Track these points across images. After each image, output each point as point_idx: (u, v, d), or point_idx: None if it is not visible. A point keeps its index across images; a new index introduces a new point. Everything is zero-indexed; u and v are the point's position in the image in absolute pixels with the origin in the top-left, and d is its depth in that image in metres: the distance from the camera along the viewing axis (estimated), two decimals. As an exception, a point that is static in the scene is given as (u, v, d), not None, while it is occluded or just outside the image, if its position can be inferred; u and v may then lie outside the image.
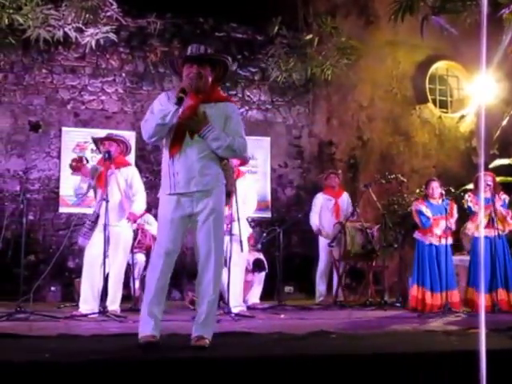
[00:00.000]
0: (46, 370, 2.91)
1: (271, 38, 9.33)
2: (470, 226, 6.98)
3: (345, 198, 8.39)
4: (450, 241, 6.86)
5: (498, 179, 7.76)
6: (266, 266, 7.69)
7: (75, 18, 7.98)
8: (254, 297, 7.60)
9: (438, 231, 6.83)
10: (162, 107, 3.74)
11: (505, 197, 7.00)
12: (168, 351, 3.50)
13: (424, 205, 6.98)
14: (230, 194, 4.10)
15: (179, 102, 3.68)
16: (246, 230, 6.69)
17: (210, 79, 3.86)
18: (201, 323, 3.74)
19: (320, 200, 8.36)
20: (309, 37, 9.08)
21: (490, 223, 6.70)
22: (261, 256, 7.77)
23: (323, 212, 8.31)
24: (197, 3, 9.11)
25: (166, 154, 3.84)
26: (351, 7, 10.16)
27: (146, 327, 3.64)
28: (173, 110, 3.68)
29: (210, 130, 3.73)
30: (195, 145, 3.75)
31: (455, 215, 6.93)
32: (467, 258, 7.21)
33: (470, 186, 8.15)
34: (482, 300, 6.14)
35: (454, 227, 6.89)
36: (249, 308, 6.92)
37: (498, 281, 6.68)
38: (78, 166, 6.12)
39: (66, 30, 8.13)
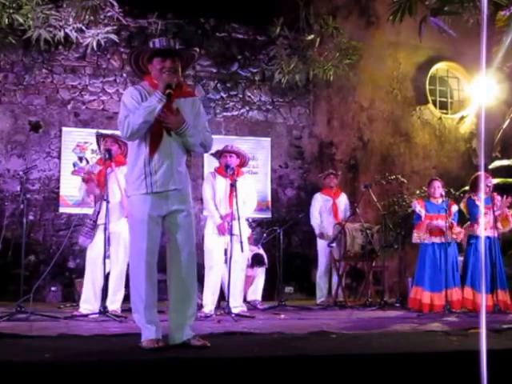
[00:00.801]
0: (47, 370, 2.91)
1: (272, 38, 9.33)
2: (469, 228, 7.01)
3: (342, 198, 8.39)
4: (452, 239, 6.87)
5: (499, 180, 7.79)
6: (266, 261, 7.67)
7: (76, 18, 7.98)
8: (256, 292, 7.59)
9: (430, 231, 6.86)
10: (146, 103, 3.65)
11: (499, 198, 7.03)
12: (168, 351, 3.49)
13: (420, 203, 7.03)
14: None
15: (169, 97, 3.64)
16: (246, 230, 6.70)
17: (180, 73, 3.82)
18: (191, 324, 3.73)
19: (318, 200, 8.36)
20: (310, 37, 9.08)
21: (492, 223, 6.72)
22: (260, 251, 7.75)
23: (322, 211, 8.32)
24: (198, 3, 9.11)
25: (139, 152, 3.71)
26: (352, 8, 10.17)
27: (148, 333, 3.60)
28: (159, 106, 3.61)
29: (187, 127, 3.71)
30: (172, 142, 3.71)
31: (455, 213, 6.93)
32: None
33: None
34: (483, 300, 6.15)
35: (455, 224, 6.87)
36: (249, 307, 6.92)
37: (498, 281, 6.69)
38: (88, 178, 6.12)
39: (66, 30, 8.13)
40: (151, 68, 3.80)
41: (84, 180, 6.16)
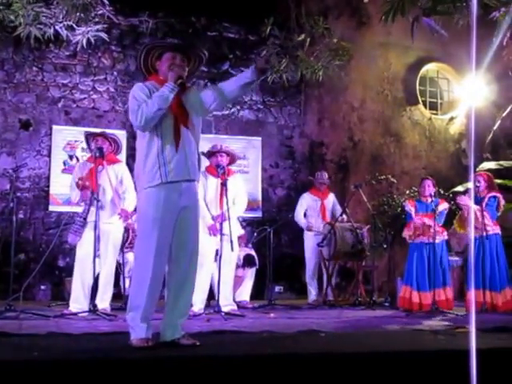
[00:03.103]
0: (35, 368, 2.90)
1: (263, 38, 9.33)
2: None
3: (331, 198, 8.39)
4: (441, 239, 6.91)
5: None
6: (257, 262, 7.70)
7: (66, 15, 7.95)
8: (244, 293, 7.61)
9: (421, 230, 6.90)
10: (159, 93, 3.68)
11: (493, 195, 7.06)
12: (158, 350, 3.50)
13: (410, 203, 7.07)
14: None
15: (181, 86, 3.72)
16: (237, 230, 6.72)
17: (186, 71, 3.89)
18: (183, 323, 3.75)
19: (306, 200, 8.36)
20: (301, 37, 9.09)
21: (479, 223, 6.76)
22: (252, 252, 7.79)
23: (309, 212, 8.32)
24: (189, 2, 9.10)
25: (151, 143, 3.71)
26: (343, 8, 10.19)
27: (139, 332, 3.59)
28: (171, 95, 3.67)
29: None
30: (187, 134, 3.78)
31: (441, 212, 6.96)
32: (455, 258, 7.26)
33: (460, 188, 8.23)
34: (473, 299, 6.19)
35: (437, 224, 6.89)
36: (239, 306, 6.94)
37: (486, 282, 6.73)
38: (84, 186, 6.09)
39: (57, 27, 8.10)
40: (160, 64, 3.86)
41: (79, 187, 6.12)
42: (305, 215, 8.35)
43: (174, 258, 3.73)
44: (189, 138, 3.78)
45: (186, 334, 3.72)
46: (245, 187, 6.98)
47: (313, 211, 8.28)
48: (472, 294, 6.34)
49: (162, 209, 3.63)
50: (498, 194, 7.00)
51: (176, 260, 3.72)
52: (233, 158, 6.65)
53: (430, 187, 7.05)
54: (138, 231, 3.88)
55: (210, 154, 6.55)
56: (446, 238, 7.04)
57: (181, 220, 3.71)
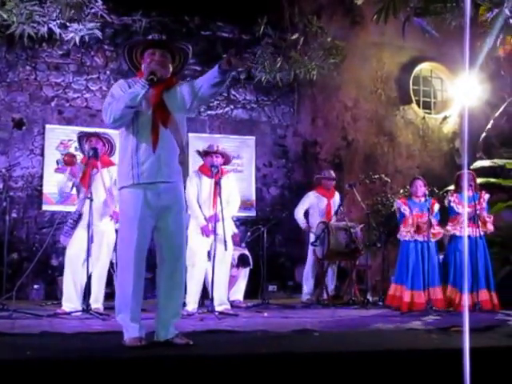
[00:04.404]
0: (28, 367, 2.90)
1: (257, 37, 9.33)
2: (449, 228, 7.04)
3: (337, 198, 8.29)
4: (434, 238, 6.92)
5: (480, 180, 7.85)
6: (251, 262, 7.70)
7: (60, 14, 7.93)
8: (238, 292, 7.59)
9: (415, 228, 6.90)
10: (130, 89, 3.63)
11: (487, 196, 7.09)
12: (151, 349, 3.49)
13: (404, 203, 7.07)
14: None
15: (151, 82, 3.60)
16: (231, 229, 6.71)
17: (170, 69, 3.81)
18: (176, 322, 3.75)
19: (310, 198, 8.26)
20: (294, 37, 9.10)
21: (472, 222, 6.77)
22: (246, 251, 7.78)
23: (313, 210, 8.22)
24: (183, 2, 9.09)
25: (126, 143, 3.68)
26: (337, 8, 10.19)
27: (131, 331, 3.58)
28: (142, 92, 3.59)
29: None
30: (165, 135, 3.67)
31: (436, 213, 6.98)
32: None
33: (453, 187, 8.23)
34: (466, 299, 6.21)
35: (436, 223, 6.92)
36: (232, 306, 6.94)
37: (480, 281, 6.74)
38: (71, 160, 6.02)
39: (50, 26, 8.08)
40: (143, 62, 3.80)
41: (66, 162, 6.05)
42: (306, 214, 8.32)
43: (161, 259, 3.72)
44: (168, 137, 3.69)
45: (179, 333, 3.72)
46: (237, 187, 6.96)
47: (317, 210, 8.17)
48: (465, 294, 6.35)
49: (139, 208, 3.61)
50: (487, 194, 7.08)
51: (163, 260, 3.72)
52: (227, 159, 6.65)
53: (421, 187, 7.06)
54: (119, 231, 3.85)
55: (205, 154, 6.54)
56: (436, 236, 7.03)
57: (162, 220, 3.69)
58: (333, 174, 8.35)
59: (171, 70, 3.83)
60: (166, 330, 3.68)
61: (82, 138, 6.32)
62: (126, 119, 3.63)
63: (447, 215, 7.15)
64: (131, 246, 3.60)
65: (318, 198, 8.25)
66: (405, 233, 7.01)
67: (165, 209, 3.68)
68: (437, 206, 7.01)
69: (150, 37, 3.88)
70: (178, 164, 3.76)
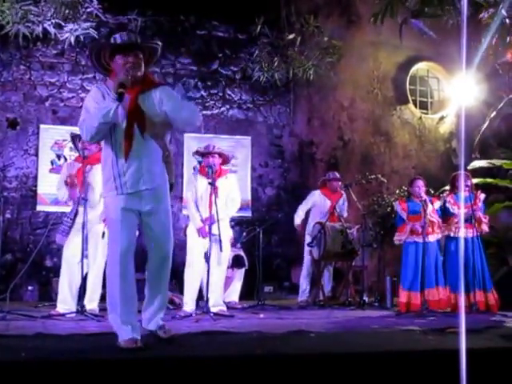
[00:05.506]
0: (23, 369, 2.89)
1: (253, 37, 9.32)
2: (444, 229, 7.02)
3: (340, 202, 8.16)
4: (433, 238, 6.89)
5: (477, 181, 7.84)
6: (246, 263, 7.68)
7: (55, 13, 7.90)
8: (233, 293, 7.58)
9: (415, 229, 6.87)
10: (101, 105, 3.60)
11: (483, 196, 7.07)
12: (146, 350, 3.47)
13: (402, 205, 7.02)
14: (172, 186, 4.00)
15: (120, 97, 3.56)
16: (227, 231, 6.65)
17: (143, 68, 3.75)
18: (161, 317, 3.87)
19: (315, 197, 8.20)
20: (291, 36, 9.08)
21: (469, 223, 6.74)
22: (240, 252, 7.76)
23: (316, 210, 8.15)
24: (178, 1, 9.06)
25: (106, 154, 3.71)
26: (334, 7, 10.18)
27: (124, 333, 3.58)
28: (114, 107, 3.55)
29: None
30: (143, 142, 3.66)
31: (434, 212, 6.95)
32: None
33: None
34: (462, 300, 6.18)
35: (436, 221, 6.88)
36: (228, 307, 6.91)
37: (476, 282, 6.72)
38: (72, 183, 6.03)
39: (45, 25, 8.04)
40: (114, 65, 3.74)
41: (67, 184, 6.07)
42: (307, 214, 8.26)
43: (149, 256, 3.84)
44: (147, 142, 3.68)
45: (164, 325, 3.84)
46: (238, 187, 6.88)
47: (319, 211, 8.10)
48: (461, 295, 6.32)
49: (123, 212, 3.65)
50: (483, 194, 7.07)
51: (151, 258, 3.84)
52: (226, 159, 6.61)
53: (422, 187, 7.00)
54: (108, 236, 3.89)
55: (203, 155, 6.52)
56: (440, 236, 6.98)
57: (147, 223, 3.76)
58: (338, 175, 8.31)
59: (143, 68, 3.77)
60: (151, 321, 3.83)
61: (76, 138, 6.30)
62: (103, 133, 3.64)
63: (443, 216, 7.12)
64: (116, 248, 3.65)
65: (322, 198, 8.18)
66: (397, 239, 6.97)
67: (149, 212, 3.74)
68: (437, 204, 6.97)
69: (117, 36, 3.76)
70: (162, 163, 3.80)
